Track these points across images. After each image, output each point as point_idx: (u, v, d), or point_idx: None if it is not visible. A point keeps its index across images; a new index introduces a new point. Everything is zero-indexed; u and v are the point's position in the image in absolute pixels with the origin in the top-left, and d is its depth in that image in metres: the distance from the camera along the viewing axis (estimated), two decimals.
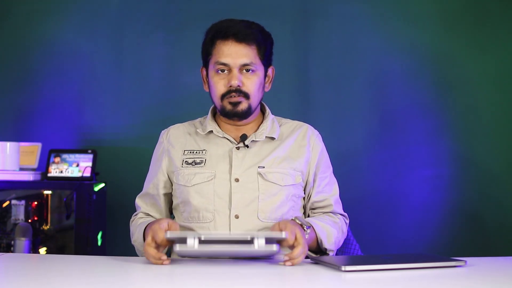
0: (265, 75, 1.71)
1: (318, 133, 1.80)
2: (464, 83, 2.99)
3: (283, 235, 1.40)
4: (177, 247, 1.36)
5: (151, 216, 1.75)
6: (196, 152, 1.70)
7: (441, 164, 2.97)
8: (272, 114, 1.79)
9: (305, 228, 1.53)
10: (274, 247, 1.37)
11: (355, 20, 3.01)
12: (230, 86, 1.64)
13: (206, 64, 1.71)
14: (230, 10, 2.97)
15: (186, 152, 1.71)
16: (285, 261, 1.43)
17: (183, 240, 1.36)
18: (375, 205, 2.96)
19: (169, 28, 3.05)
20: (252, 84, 1.65)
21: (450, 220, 2.95)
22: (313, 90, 3.02)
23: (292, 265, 1.42)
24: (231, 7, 2.99)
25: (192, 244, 1.35)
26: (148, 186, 1.77)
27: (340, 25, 3.02)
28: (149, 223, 1.59)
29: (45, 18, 3.07)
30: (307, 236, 1.52)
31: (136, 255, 1.65)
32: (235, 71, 1.63)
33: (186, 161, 1.69)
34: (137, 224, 1.69)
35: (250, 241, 1.37)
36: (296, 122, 1.80)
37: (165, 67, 3.06)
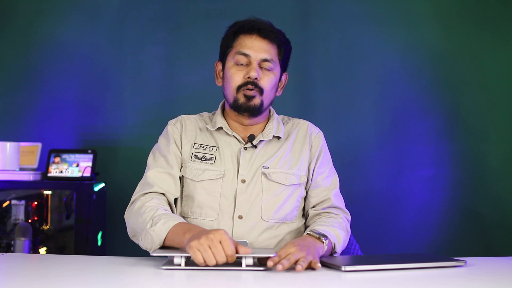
0: (280, 78, 1.72)
1: (319, 130, 1.80)
2: (464, 83, 2.99)
3: (272, 254, 1.37)
4: (164, 267, 1.36)
5: (167, 199, 1.62)
6: (206, 148, 1.69)
7: (441, 164, 2.97)
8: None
9: (323, 240, 1.49)
10: (261, 268, 1.36)
11: (355, 20, 3.02)
12: (248, 78, 1.64)
13: (223, 58, 1.71)
14: (230, 10, 2.98)
15: (196, 145, 1.70)
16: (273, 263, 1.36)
17: (170, 260, 1.38)
18: (375, 205, 2.96)
19: (169, 28, 3.06)
20: (269, 80, 1.66)
21: (450, 220, 2.95)
22: (313, 90, 3.02)
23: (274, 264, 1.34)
24: (231, 7, 2.99)
25: (179, 262, 1.36)
26: (162, 166, 1.66)
27: (340, 25, 3.02)
28: (196, 227, 1.44)
29: (45, 18, 3.07)
30: (325, 248, 1.49)
31: (136, 255, 1.63)
32: (255, 64, 1.64)
33: (195, 155, 1.68)
34: (156, 213, 1.51)
35: (238, 261, 1.37)
36: (296, 120, 1.81)
37: (165, 67, 3.06)
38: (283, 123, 1.79)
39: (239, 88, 1.65)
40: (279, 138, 1.73)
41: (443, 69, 3.00)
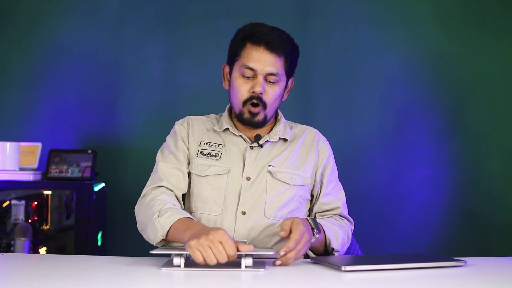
0: (285, 86, 1.74)
1: (326, 139, 1.84)
2: (464, 83, 2.99)
3: (271, 252, 1.38)
4: (163, 268, 1.36)
5: (175, 195, 1.66)
6: (213, 145, 1.73)
7: (441, 164, 2.97)
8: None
9: (314, 232, 1.52)
10: (261, 268, 1.36)
11: (355, 20, 3.02)
12: (253, 92, 1.65)
13: (231, 63, 1.72)
14: (230, 10, 2.98)
15: (202, 143, 1.73)
16: (276, 261, 1.43)
17: (169, 261, 1.38)
18: (375, 205, 2.96)
19: (169, 28, 3.06)
20: (273, 94, 1.68)
21: (450, 220, 2.95)
22: (313, 90, 3.02)
23: (282, 264, 1.42)
24: (231, 7, 2.99)
25: (178, 263, 1.36)
26: (170, 163, 1.68)
27: (340, 25, 3.02)
28: (196, 223, 1.47)
29: (45, 18, 3.07)
30: (313, 240, 1.52)
31: (136, 255, 1.63)
32: (260, 78, 1.65)
33: (201, 152, 1.71)
34: (164, 206, 1.54)
35: (237, 261, 1.36)
36: (305, 126, 1.85)
37: (165, 67, 3.06)
38: (292, 127, 1.82)
39: (245, 102, 1.68)
40: (285, 140, 1.76)
41: (443, 69, 3.00)
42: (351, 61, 3.01)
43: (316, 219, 1.63)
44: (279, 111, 1.81)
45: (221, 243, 1.31)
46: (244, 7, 2.98)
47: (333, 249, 1.62)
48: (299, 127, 1.83)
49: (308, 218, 1.55)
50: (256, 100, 1.66)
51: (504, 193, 2.95)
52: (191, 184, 1.70)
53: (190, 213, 1.67)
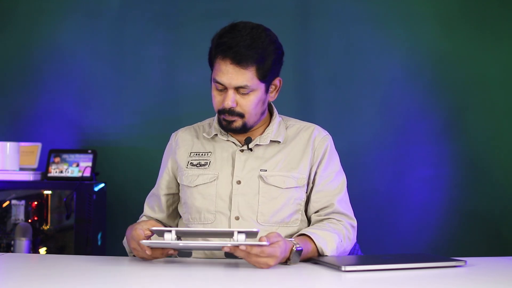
0: (267, 89, 1.67)
1: (327, 133, 1.76)
2: (464, 83, 2.99)
3: (265, 243, 1.34)
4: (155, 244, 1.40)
5: (151, 218, 1.77)
6: (202, 154, 1.72)
7: (441, 164, 2.97)
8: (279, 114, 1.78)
9: (287, 261, 1.45)
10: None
11: (355, 20, 3.01)
12: (223, 107, 1.63)
13: (211, 69, 1.70)
14: (230, 10, 2.98)
15: (192, 154, 1.73)
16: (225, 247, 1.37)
17: (160, 236, 1.40)
18: (375, 205, 2.96)
19: (169, 28, 3.06)
20: (248, 103, 1.63)
21: (450, 220, 2.95)
22: (313, 90, 3.02)
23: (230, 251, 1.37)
24: (231, 7, 2.99)
25: (170, 238, 1.37)
26: (154, 187, 1.80)
27: (340, 25, 3.02)
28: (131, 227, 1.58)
29: (45, 18, 3.07)
30: (289, 263, 1.46)
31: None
32: (230, 92, 1.61)
33: (191, 163, 1.71)
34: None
35: (230, 235, 1.35)
36: (303, 124, 1.78)
37: (165, 67, 3.06)
38: (288, 126, 1.76)
39: (219, 112, 1.66)
40: (278, 142, 1.71)
41: (443, 69, 3.00)
42: (351, 61, 3.01)
43: (307, 228, 1.59)
44: (274, 109, 1.77)
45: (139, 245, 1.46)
46: (244, 7, 2.98)
47: (326, 256, 1.54)
48: (297, 125, 1.76)
49: (293, 246, 1.46)
50: (228, 113, 1.63)
51: (504, 192, 2.95)
52: (184, 196, 1.70)
53: (188, 224, 1.68)
